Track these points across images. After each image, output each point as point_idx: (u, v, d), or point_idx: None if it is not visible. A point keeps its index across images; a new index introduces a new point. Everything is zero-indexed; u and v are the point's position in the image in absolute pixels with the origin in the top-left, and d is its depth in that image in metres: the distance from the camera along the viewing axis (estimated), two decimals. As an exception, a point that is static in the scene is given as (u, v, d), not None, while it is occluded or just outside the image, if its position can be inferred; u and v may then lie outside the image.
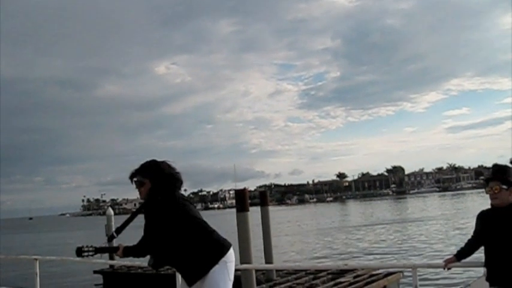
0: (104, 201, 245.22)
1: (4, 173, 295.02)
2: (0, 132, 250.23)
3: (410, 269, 5.39)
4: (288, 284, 14.25)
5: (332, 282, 13.99)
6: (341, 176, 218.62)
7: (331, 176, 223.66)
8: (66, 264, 23.86)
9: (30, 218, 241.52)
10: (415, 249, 27.50)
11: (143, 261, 5.07)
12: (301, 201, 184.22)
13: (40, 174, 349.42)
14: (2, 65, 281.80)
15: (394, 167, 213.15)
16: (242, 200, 11.73)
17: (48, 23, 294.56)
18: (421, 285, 5.12)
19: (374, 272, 14.61)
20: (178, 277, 6.33)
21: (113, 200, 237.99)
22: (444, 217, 50.49)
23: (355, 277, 14.33)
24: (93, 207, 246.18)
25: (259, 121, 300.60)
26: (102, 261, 11.54)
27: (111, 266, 18.71)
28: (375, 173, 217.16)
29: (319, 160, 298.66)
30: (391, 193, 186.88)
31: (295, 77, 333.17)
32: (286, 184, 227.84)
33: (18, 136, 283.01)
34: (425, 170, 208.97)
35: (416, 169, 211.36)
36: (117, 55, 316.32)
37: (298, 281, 14.50)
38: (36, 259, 8.10)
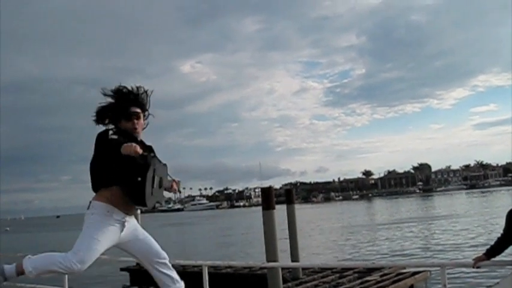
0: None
1: (32, 172, 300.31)
2: (27, 131, 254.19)
3: (438, 268, 5.34)
4: (314, 282, 14.22)
5: (358, 281, 13.93)
6: (367, 173, 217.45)
7: (357, 174, 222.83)
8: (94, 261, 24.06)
9: (58, 216, 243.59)
10: (443, 248, 27.22)
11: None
12: (327, 199, 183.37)
13: (67, 173, 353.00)
14: (30, 65, 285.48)
15: (421, 165, 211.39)
16: (268, 198, 11.71)
17: (74, 23, 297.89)
18: (449, 284, 5.05)
19: (401, 271, 14.52)
20: (205, 273, 6.34)
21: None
22: (472, 215, 49.92)
23: (381, 276, 14.25)
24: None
25: (285, 119, 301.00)
26: (129, 259, 11.62)
27: (138, 264, 18.82)
28: (401, 171, 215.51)
29: (345, 158, 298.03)
30: (417, 191, 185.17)
31: (320, 74, 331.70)
32: (312, 182, 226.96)
33: (45, 135, 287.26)
34: (452, 167, 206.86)
35: (443, 166, 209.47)
36: (142, 55, 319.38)
37: (324, 280, 14.46)
38: (64, 257, 8.15)
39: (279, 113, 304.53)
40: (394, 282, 13.50)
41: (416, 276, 14.03)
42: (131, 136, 4.33)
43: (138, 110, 4.41)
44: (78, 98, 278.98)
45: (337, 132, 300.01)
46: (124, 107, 4.38)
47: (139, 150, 4.00)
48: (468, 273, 16.21)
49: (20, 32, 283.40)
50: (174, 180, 4.63)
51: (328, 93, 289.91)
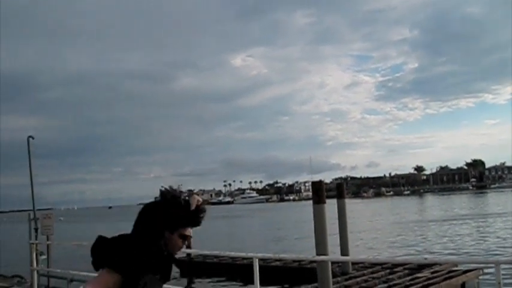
0: (181, 191, 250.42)
1: (84, 164, 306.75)
2: (79, 124, 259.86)
3: (492, 265, 5.25)
4: (364, 277, 14.15)
5: (409, 277, 13.80)
6: (419, 169, 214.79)
7: (409, 169, 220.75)
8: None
9: (110, 207, 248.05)
10: (497, 246, 26.66)
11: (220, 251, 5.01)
12: (378, 194, 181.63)
13: (119, 165, 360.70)
14: (82, 59, 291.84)
15: (474, 161, 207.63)
16: (319, 192, 11.67)
17: (128, 18, 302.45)
18: (504, 283, 4.96)
19: (453, 268, 14.31)
20: (256, 265, 6.39)
21: (189, 190, 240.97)
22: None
23: (432, 272, 14.07)
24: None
25: (336, 113, 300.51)
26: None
27: (188, 255, 19.05)
28: (454, 167, 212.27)
29: (396, 153, 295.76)
30: (470, 187, 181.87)
31: (372, 68, 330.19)
32: (362, 177, 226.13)
33: (98, 128, 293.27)
34: (507, 164, 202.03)
35: (498, 163, 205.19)
36: (193, 48, 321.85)
37: (374, 275, 14.38)
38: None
39: (330, 107, 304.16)
40: (445, 279, 13.32)
41: (468, 273, 13.80)
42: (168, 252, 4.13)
43: (191, 234, 4.17)
44: (130, 91, 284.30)
45: (389, 127, 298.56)
46: (184, 227, 4.10)
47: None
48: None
49: (72, 28, 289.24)
50: None
51: (380, 87, 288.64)
